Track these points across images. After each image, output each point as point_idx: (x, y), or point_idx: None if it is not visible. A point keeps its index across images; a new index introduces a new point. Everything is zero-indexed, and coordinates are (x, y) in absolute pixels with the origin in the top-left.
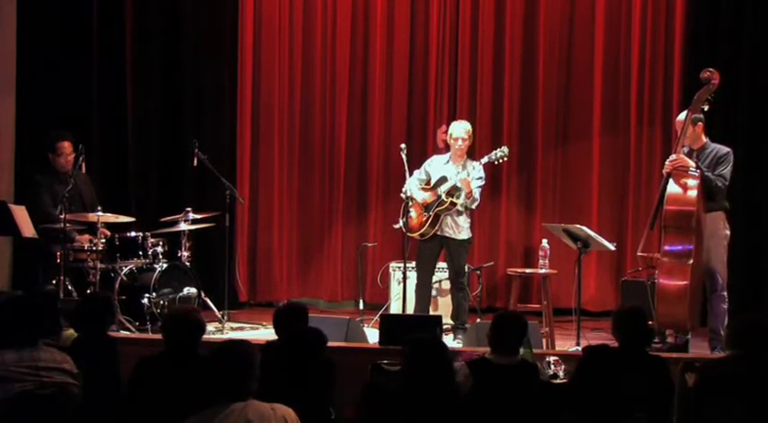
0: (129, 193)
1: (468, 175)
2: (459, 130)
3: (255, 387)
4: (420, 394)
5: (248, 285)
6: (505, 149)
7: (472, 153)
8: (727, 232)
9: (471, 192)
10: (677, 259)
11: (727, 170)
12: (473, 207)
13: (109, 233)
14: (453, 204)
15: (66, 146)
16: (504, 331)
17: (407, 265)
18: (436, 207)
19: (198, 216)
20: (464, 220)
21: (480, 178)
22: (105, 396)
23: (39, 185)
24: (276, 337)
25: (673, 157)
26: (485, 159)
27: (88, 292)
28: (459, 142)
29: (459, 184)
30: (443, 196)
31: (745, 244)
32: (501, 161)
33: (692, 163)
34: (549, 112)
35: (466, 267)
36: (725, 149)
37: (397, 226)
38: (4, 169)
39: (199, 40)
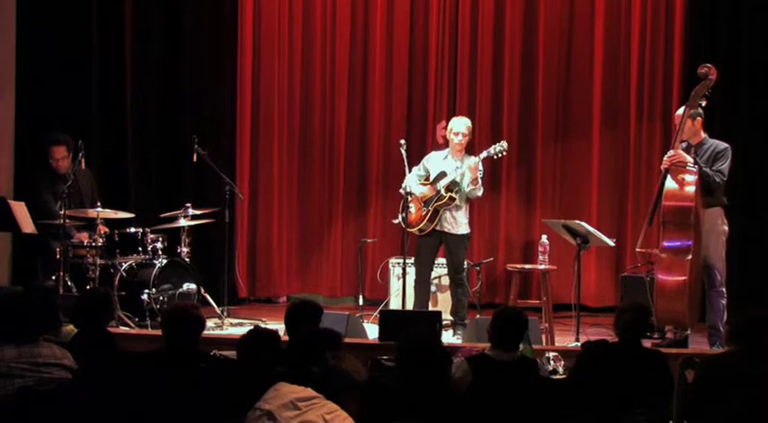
0: (128, 189)
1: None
2: (460, 125)
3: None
4: (416, 389)
5: (248, 281)
6: (504, 144)
7: (472, 149)
8: (726, 228)
9: (477, 178)
10: (675, 255)
11: (725, 166)
12: (479, 194)
13: (107, 230)
14: (452, 199)
15: (58, 151)
16: (504, 327)
17: (407, 260)
18: (435, 202)
19: (197, 212)
20: (463, 216)
21: (479, 172)
22: (104, 392)
23: (39, 182)
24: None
25: (670, 152)
26: (483, 154)
27: (88, 287)
28: (459, 137)
29: (458, 179)
30: (442, 191)
31: (743, 240)
32: (500, 155)
33: (689, 158)
34: (549, 107)
35: (465, 263)
36: (723, 145)
37: (396, 221)
38: (3, 166)
39: (199, 35)
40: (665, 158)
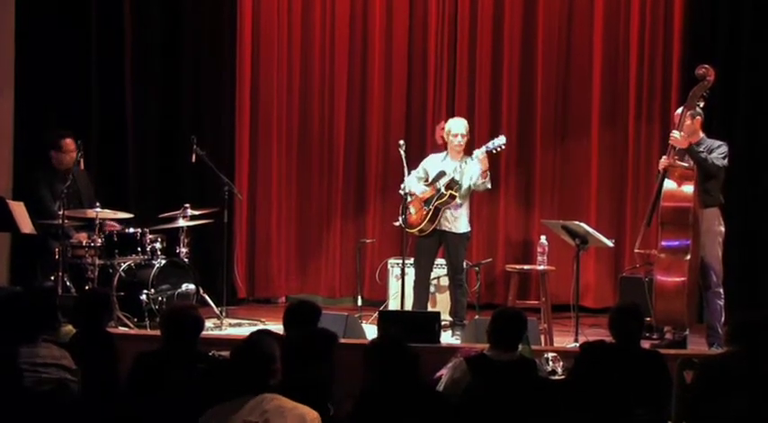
0: (127, 189)
1: (471, 163)
2: (459, 126)
3: (275, 382)
4: (390, 390)
5: (247, 281)
6: (503, 138)
7: (470, 149)
8: (722, 229)
9: (486, 170)
10: (674, 255)
11: (723, 155)
12: (489, 187)
13: (119, 226)
14: (453, 197)
15: (69, 142)
16: (503, 327)
17: (406, 261)
18: (436, 200)
19: (196, 212)
20: (464, 214)
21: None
22: (103, 392)
23: (38, 181)
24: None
25: (674, 133)
26: (483, 148)
27: (87, 288)
28: (459, 138)
29: (457, 178)
30: (442, 189)
31: (742, 240)
32: (498, 150)
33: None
34: (548, 107)
35: (464, 264)
36: (719, 142)
37: (396, 223)
38: (2, 166)
39: (198, 36)
40: (662, 159)
